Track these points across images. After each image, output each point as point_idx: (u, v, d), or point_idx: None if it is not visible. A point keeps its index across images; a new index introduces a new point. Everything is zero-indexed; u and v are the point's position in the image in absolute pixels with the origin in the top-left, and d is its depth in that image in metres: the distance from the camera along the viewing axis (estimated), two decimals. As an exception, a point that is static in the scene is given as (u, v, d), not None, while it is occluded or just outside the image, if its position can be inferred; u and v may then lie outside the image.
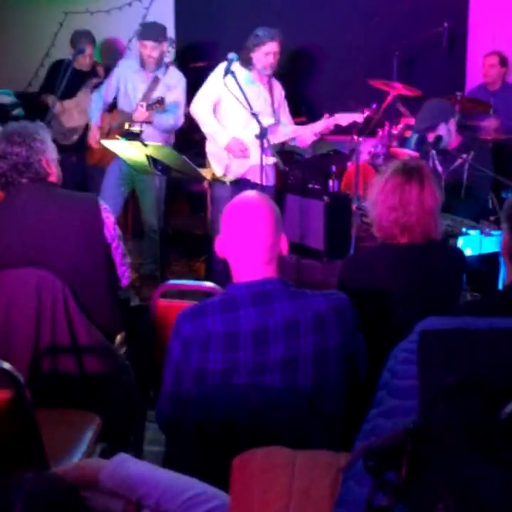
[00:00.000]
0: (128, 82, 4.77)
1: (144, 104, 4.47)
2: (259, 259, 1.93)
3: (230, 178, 4.45)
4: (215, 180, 4.50)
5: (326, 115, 4.46)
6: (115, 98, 4.90)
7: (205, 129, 4.46)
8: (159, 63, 4.69)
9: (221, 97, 4.38)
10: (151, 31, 4.68)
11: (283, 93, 4.67)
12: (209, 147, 4.53)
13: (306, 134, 4.53)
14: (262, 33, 4.34)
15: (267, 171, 4.42)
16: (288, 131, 4.60)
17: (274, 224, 1.95)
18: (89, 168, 5.23)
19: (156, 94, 4.65)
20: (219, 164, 4.46)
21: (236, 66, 4.33)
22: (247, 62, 4.36)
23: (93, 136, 4.89)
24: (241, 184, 4.31)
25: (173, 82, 4.74)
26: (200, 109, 4.43)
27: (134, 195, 5.09)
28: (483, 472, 0.73)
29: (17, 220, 2.61)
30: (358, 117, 4.47)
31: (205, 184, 4.62)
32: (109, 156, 4.73)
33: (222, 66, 4.39)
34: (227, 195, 4.25)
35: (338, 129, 4.72)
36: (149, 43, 4.59)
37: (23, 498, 1.02)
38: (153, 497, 1.31)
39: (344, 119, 4.44)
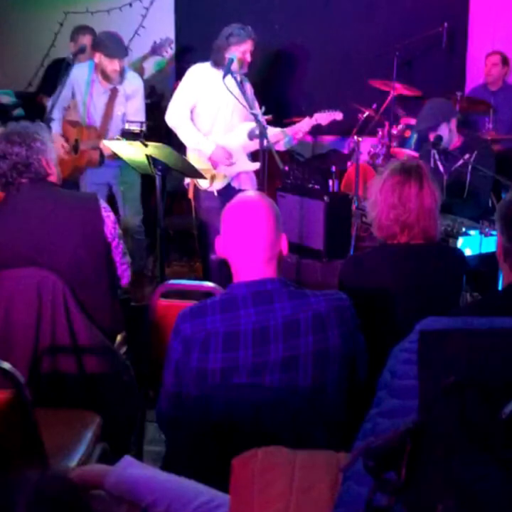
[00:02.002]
0: (86, 92, 4.62)
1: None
2: (259, 259, 1.93)
3: (215, 186, 4.37)
4: (202, 190, 4.38)
5: (306, 118, 4.42)
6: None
7: (185, 140, 4.32)
8: (122, 74, 4.56)
9: (197, 102, 4.29)
10: (119, 48, 4.50)
11: (253, 90, 4.54)
12: (192, 148, 4.38)
13: (294, 134, 4.47)
14: (238, 32, 4.23)
15: (252, 176, 4.41)
16: (273, 133, 4.52)
17: (274, 223, 1.96)
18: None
19: (116, 106, 4.56)
20: (203, 166, 4.36)
21: (208, 67, 4.27)
22: (220, 63, 4.20)
23: (60, 146, 4.51)
24: (227, 192, 4.20)
25: (132, 90, 4.61)
26: (177, 119, 4.30)
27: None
28: (483, 472, 0.73)
29: (17, 220, 2.61)
30: (337, 115, 4.44)
31: (190, 194, 4.54)
32: (80, 166, 4.64)
33: (192, 71, 4.33)
34: (214, 205, 4.18)
35: (336, 129, 4.72)
36: (118, 60, 4.47)
37: (27, 496, 1.02)
38: (162, 505, 1.30)
39: (323, 118, 4.40)
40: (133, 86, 4.62)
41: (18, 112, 5.43)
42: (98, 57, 4.50)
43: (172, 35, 6.21)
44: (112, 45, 4.48)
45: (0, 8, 6.45)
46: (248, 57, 4.27)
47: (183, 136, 4.33)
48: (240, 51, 4.22)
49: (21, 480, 1.05)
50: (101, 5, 6.35)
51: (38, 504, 1.02)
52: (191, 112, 4.32)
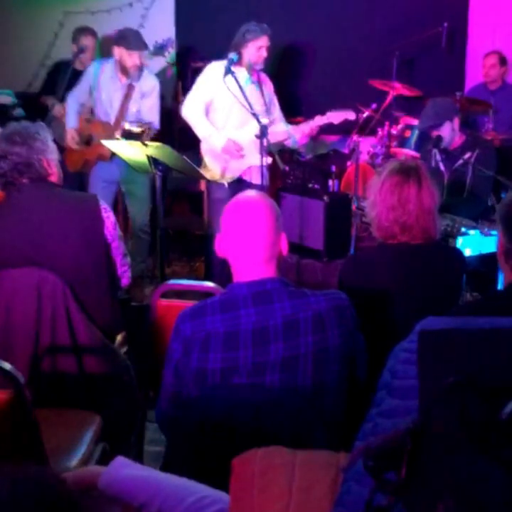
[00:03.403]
0: (102, 89, 4.69)
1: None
2: (259, 258, 1.93)
3: (227, 179, 4.45)
4: (213, 182, 4.49)
5: (318, 116, 4.46)
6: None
7: (199, 132, 4.46)
8: (141, 71, 4.64)
9: (213, 98, 4.38)
10: (139, 40, 4.58)
11: (272, 87, 4.65)
12: (205, 150, 4.53)
13: (304, 131, 4.52)
14: (254, 28, 4.34)
15: (264, 172, 4.43)
16: (280, 131, 4.58)
17: (274, 223, 1.95)
18: (72, 176, 4.91)
19: (131, 103, 4.62)
20: (216, 167, 4.47)
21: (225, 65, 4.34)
22: (237, 61, 4.28)
23: (71, 138, 4.71)
24: (238, 185, 4.32)
25: (148, 89, 4.69)
26: (192, 112, 4.43)
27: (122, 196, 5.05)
28: (483, 472, 0.73)
29: (18, 220, 2.61)
30: (350, 115, 4.46)
31: (202, 185, 4.63)
32: (91, 160, 4.70)
33: (211, 67, 4.42)
34: (225, 197, 4.27)
35: (336, 128, 4.72)
36: (138, 53, 4.54)
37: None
38: (155, 504, 1.29)
39: (336, 117, 4.43)
40: (149, 85, 4.70)
41: (18, 112, 5.43)
42: (119, 53, 4.57)
43: (172, 36, 6.20)
44: (132, 38, 4.57)
45: (0, 8, 6.45)
46: (264, 53, 4.39)
47: (196, 129, 4.47)
48: (256, 47, 4.34)
49: None
50: (101, 5, 6.34)
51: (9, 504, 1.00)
52: (208, 106, 4.43)
